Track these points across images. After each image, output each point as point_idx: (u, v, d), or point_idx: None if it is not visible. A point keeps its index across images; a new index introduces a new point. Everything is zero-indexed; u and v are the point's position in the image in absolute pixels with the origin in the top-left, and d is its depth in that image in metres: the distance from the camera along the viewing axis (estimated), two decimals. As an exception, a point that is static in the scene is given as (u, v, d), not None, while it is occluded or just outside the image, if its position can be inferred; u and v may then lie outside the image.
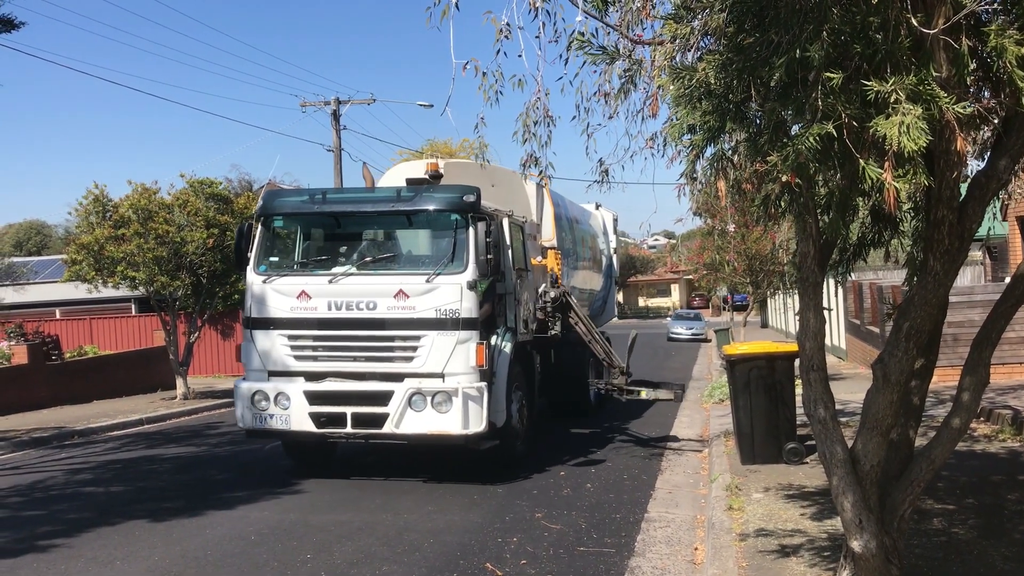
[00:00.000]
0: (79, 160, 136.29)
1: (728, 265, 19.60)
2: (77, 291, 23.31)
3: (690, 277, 53.57)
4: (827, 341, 6.46)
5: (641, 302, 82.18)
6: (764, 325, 47.67)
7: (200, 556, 7.66)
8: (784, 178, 4.06)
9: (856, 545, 4.91)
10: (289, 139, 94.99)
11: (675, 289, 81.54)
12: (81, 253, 18.62)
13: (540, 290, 12.81)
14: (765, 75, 4.08)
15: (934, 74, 3.83)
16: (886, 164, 3.85)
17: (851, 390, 15.55)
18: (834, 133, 3.90)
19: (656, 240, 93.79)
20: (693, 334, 42.98)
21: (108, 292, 21.08)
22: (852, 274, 6.32)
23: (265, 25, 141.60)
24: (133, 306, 31.12)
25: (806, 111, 3.97)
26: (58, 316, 30.80)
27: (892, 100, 3.72)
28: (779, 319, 42.53)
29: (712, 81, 4.31)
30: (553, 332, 12.85)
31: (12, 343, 20.80)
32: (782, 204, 4.63)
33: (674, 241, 79.39)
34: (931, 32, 3.82)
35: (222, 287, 20.10)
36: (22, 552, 7.94)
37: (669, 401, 14.02)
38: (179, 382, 20.41)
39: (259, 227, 11.11)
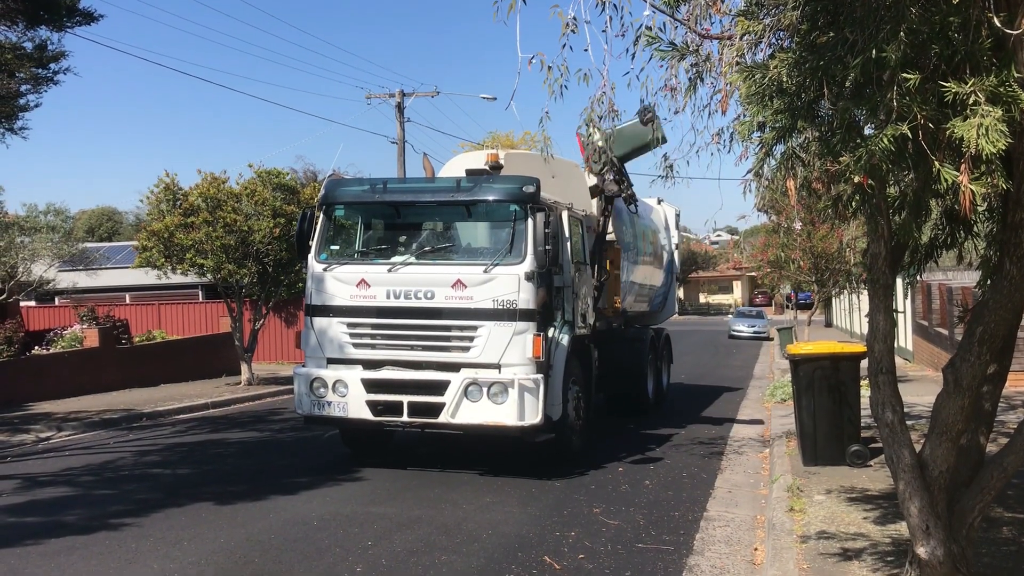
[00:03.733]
0: (150, 149, 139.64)
1: (793, 263, 19.27)
2: (147, 277, 23.86)
3: (753, 274, 52.89)
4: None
5: (702, 298, 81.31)
6: (828, 324, 46.87)
7: (264, 540, 7.83)
8: (856, 179, 4.00)
9: (923, 551, 4.83)
10: (354, 131, 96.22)
11: (737, 286, 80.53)
12: (152, 240, 19.09)
13: None
14: (839, 74, 4.02)
15: (1015, 75, 3.74)
16: (962, 166, 3.78)
17: (918, 392, 15.25)
18: (909, 134, 3.82)
19: (719, 236, 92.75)
20: (755, 332, 42.27)
21: (176, 278, 21.56)
22: (921, 275, 6.20)
23: (332, 19, 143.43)
24: (200, 292, 31.79)
25: (880, 111, 3.90)
26: (128, 301, 31.60)
27: (971, 102, 3.64)
28: (844, 319, 41.75)
29: (784, 79, 4.25)
30: None
31: (84, 326, 21.35)
32: (853, 204, 4.57)
33: (737, 237, 78.33)
34: (1014, 32, 3.73)
35: (287, 275, 20.44)
36: (95, 529, 8.22)
37: None
38: (244, 368, 20.82)
39: (320, 215, 11.25)
